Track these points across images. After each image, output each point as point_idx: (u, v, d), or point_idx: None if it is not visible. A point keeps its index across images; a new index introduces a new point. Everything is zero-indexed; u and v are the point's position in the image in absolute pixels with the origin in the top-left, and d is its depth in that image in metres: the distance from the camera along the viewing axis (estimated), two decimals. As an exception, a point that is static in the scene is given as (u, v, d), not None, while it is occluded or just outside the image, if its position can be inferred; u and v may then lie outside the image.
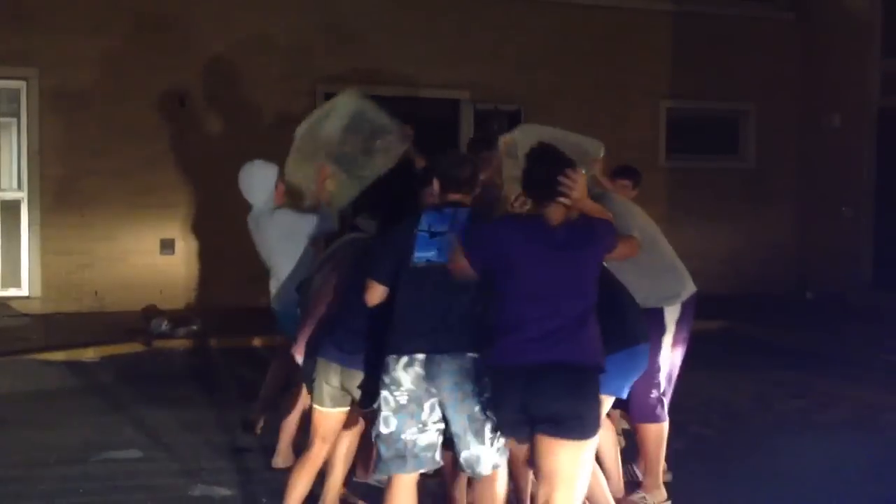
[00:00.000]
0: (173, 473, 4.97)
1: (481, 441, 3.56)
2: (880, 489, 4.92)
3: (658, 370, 4.56)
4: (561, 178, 3.40)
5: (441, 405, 3.57)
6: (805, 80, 12.32)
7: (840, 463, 5.27)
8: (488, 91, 11.07)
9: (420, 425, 3.58)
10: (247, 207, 5.25)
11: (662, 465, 4.69)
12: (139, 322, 9.02)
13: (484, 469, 3.60)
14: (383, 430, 3.59)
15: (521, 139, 4.62)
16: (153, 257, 10.01)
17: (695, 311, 4.78)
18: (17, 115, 9.76)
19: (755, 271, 11.78)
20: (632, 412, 4.64)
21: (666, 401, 4.68)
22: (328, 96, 10.52)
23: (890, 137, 11.44)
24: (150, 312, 9.26)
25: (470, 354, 3.55)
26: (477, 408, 3.54)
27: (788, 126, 12.35)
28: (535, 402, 3.33)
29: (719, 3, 12.04)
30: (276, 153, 9.04)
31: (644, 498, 4.62)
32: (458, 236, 3.59)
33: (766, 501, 4.74)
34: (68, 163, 9.67)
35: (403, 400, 3.56)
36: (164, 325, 8.69)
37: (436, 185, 3.82)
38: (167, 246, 10.03)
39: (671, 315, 4.64)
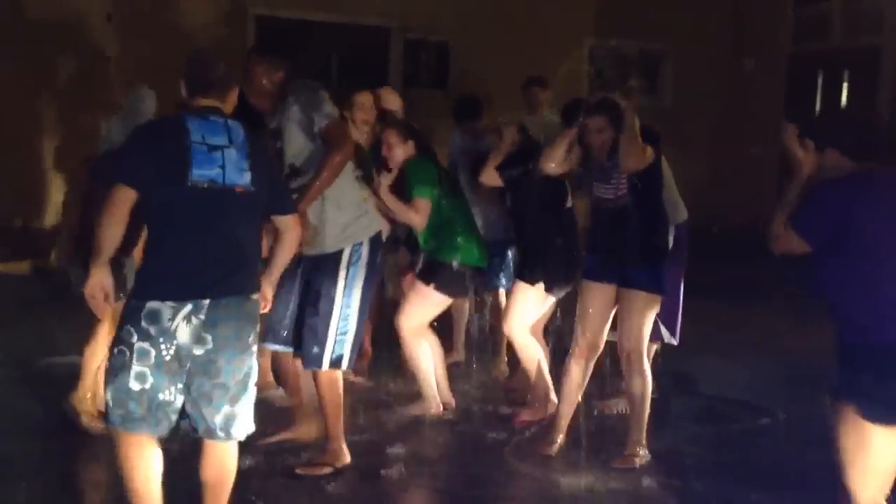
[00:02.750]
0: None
1: (247, 399, 3.13)
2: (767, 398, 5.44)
3: None
4: None
5: (206, 357, 3.02)
6: (721, 24, 12.73)
7: (743, 382, 5.72)
8: (417, 21, 11.17)
9: (178, 386, 3.01)
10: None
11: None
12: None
13: (239, 431, 3.13)
14: (134, 385, 2.96)
15: None
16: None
17: (688, 237, 5.20)
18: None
19: (668, 206, 12.24)
20: None
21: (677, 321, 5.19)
22: (258, 19, 10.62)
23: (799, 81, 11.99)
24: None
25: (254, 296, 3.16)
26: (251, 360, 3.14)
27: (705, 68, 12.77)
28: None
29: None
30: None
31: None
32: (246, 156, 3.06)
33: (668, 416, 5.18)
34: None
35: (168, 356, 2.97)
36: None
37: (183, 88, 3.24)
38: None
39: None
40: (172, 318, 2.96)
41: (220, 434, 3.09)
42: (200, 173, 2.98)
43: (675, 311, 5.14)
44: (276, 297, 3.63)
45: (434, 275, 4.84)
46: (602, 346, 4.47)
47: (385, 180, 4.76)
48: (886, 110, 10.86)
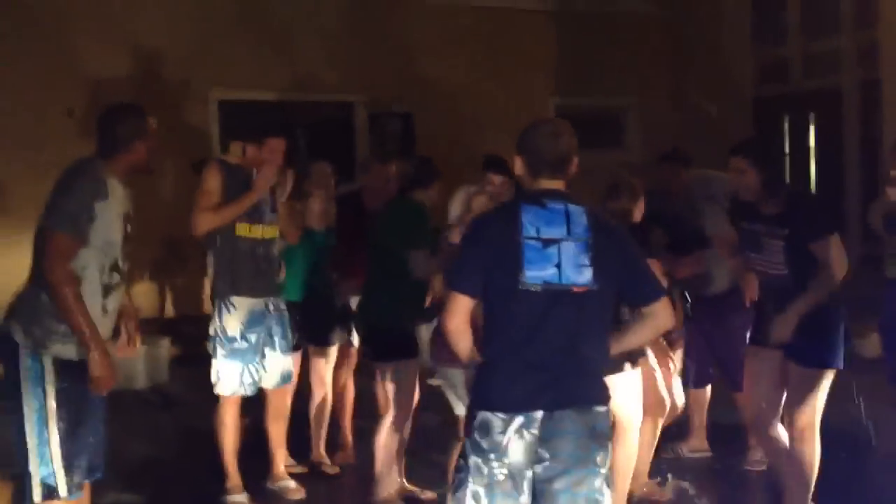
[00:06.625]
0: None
1: None
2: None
3: None
4: None
5: (543, 477, 2.73)
6: (682, 73, 12.83)
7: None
8: (379, 94, 11.17)
9: None
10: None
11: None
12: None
13: None
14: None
15: None
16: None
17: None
18: None
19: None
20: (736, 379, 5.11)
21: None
22: (221, 103, 10.56)
23: (765, 125, 12.03)
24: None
25: (599, 408, 2.79)
26: (598, 482, 2.75)
27: (670, 118, 12.82)
28: None
29: (600, 2, 12.42)
30: (170, 160, 8.95)
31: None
32: (587, 248, 2.74)
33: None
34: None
35: (501, 475, 2.71)
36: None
37: (519, 165, 2.94)
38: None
39: None
40: (503, 432, 2.70)
41: None
42: (533, 275, 2.71)
43: (738, 362, 5.04)
44: None
45: None
46: (780, 410, 4.24)
47: None
48: (854, 150, 10.92)
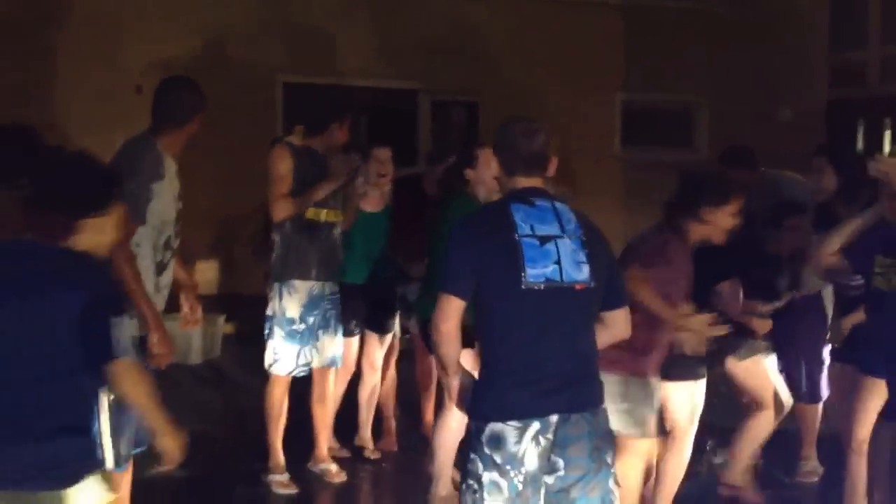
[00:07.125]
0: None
1: None
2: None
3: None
4: None
5: (558, 487, 2.63)
6: (756, 74, 12.55)
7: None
8: (445, 83, 11.12)
9: None
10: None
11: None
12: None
13: None
14: None
15: None
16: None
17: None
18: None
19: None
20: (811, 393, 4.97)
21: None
22: (286, 86, 10.61)
23: (839, 129, 11.72)
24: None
25: (603, 407, 2.73)
26: (610, 483, 2.70)
27: (741, 119, 12.55)
28: None
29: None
30: (234, 141, 9.02)
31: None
32: (582, 245, 2.67)
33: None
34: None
35: (520, 485, 2.58)
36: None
37: (494, 165, 2.89)
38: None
39: (829, 297, 4.87)
40: (519, 441, 2.56)
41: None
42: (535, 273, 2.59)
43: (813, 371, 4.91)
44: None
45: None
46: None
47: None
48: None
